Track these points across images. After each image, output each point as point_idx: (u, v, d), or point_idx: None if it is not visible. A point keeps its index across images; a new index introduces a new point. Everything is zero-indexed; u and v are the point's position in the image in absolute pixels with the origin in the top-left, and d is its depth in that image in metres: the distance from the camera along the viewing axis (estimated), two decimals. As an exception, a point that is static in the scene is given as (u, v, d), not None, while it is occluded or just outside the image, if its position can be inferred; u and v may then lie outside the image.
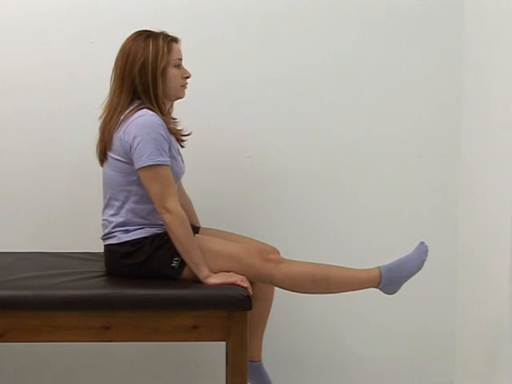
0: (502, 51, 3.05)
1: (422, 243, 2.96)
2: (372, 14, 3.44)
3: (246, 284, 2.78)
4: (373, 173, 3.50)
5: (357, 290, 2.94)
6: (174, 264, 2.82)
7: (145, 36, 2.88)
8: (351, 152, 3.48)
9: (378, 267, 2.92)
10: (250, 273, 2.85)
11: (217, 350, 3.24)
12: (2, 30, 3.35)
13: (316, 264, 2.93)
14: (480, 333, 3.26)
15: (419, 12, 3.45)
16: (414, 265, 2.92)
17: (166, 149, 2.82)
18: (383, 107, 3.48)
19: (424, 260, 2.93)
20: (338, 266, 2.92)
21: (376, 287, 2.92)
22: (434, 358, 3.55)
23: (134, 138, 2.79)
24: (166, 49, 2.87)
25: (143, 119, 2.80)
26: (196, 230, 3.00)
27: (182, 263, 2.82)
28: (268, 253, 2.89)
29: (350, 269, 2.93)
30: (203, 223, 3.17)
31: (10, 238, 3.38)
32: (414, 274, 2.93)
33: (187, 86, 2.96)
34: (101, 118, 2.92)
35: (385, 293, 2.95)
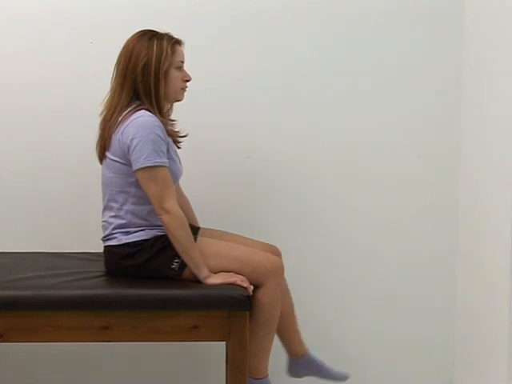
0: (502, 51, 3.05)
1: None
2: (371, 14, 3.44)
3: (245, 284, 2.78)
4: (372, 173, 3.50)
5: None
6: (174, 266, 2.82)
7: (149, 36, 2.88)
8: (351, 152, 3.48)
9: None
10: (253, 276, 2.85)
11: (217, 350, 3.24)
12: (2, 29, 3.35)
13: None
14: (480, 333, 3.26)
15: (419, 12, 3.45)
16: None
17: (164, 150, 2.82)
18: (383, 107, 3.48)
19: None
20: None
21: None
22: (434, 358, 3.55)
23: (132, 139, 2.79)
24: (169, 50, 2.87)
25: (141, 120, 2.80)
26: (195, 230, 3.00)
27: (183, 265, 2.82)
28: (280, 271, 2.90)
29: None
30: (203, 224, 3.16)
31: (10, 238, 3.38)
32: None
33: (186, 89, 2.96)
34: (101, 114, 2.92)
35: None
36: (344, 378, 3.11)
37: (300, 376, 3.12)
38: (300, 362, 3.08)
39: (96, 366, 3.45)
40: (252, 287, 2.82)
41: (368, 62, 3.46)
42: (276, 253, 3.06)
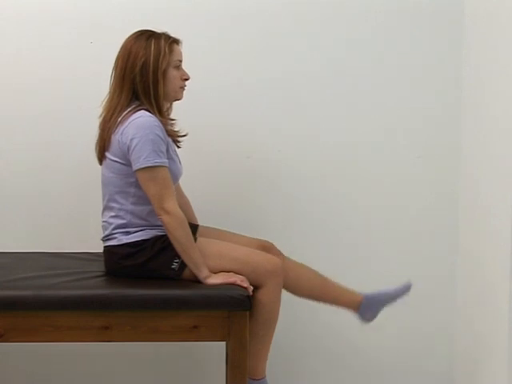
0: (502, 51, 3.05)
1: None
2: (371, 14, 3.44)
3: (245, 284, 2.79)
4: (372, 173, 3.50)
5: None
6: (174, 266, 2.82)
7: (147, 36, 2.88)
8: (351, 152, 3.48)
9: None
10: (253, 276, 2.85)
11: (217, 350, 3.25)
12: (2, 29, 3.35)
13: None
14: (480, 333, 3.26)
15: (419, 12, 3.45)
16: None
17: (164, 150, 2.82)
18: (383, 107, 3.48)
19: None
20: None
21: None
22: (434, 357, 3.56)
23: (132, 139, 2.79)
24: (167, 49, 2.87)
25: (140, 120, 2.80)
26: (194, 227, 3.00)
27: (183, 265, 2.82)
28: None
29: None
30: (203, 223, 3.16)
31: (10, 238, 3.38)
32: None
33: (185, 87, 2.96)
34: (100, 116, 2.92)
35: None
36: (409, 287, 3.08)
37: (374, 317, 3.10)
38: (363, 310, 3.06)
39: (96, 366, 3.45)
40: (252, 287, 2.82)
41: (368, 62, 3.46)
42: (270, 248, 3.07)
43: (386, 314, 3.51)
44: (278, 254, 3.07)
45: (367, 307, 3.06)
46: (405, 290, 3.08)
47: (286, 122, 3.46)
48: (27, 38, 3.36)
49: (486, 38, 3.23)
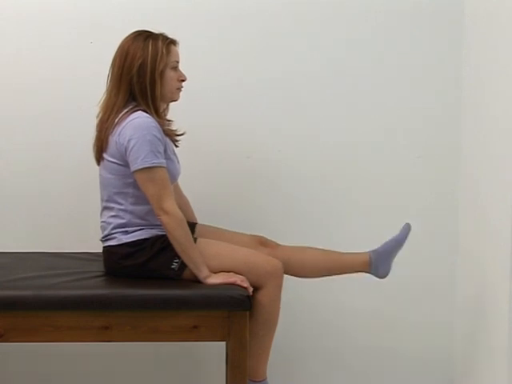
0: (502, 51, 3.05)
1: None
2: (371, 14, 3.44)
3: (245, 284, 2.79)
4: (372, 173, 3.50)
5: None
6: (174, 266, 2.82)
7: (144, 36, 2.88)
8: (351, 152, 3.48)
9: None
10: (253, 277, 2.85)
11: (217, 350, 3.25)
12: (2, 29, 3.35)
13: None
14: (480, 333, 3.26)
15: (419, 12, 3.45)
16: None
17: (161, 150, 2.82)
18: (383, 107, 3.48)
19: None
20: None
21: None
22: (434, 358, 3.55)
23: (129, 140, 2.79)
24: (164, 50, 2.87)
25: (138, 121, 2.80)
26: (192, 226, 3.00)
27: (183, 265, 2.82)
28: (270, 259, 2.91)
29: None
30: (203, 223, 3.16)
31: (10, 238, 3.38)
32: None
33: (182, 89, 2.96)
34: (98, 116, 2.92)
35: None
36: (409, 227, 3.09)
37: (388, 271, 3.09)
38: (375, 267, 3.06)
39: (96, 366, 3.45)
40: (252, 288, 2.82)
41: (368, 62, 3.46)
42: (266, 242, 3.08)
43: (385, 313, 3.53)
44: (274, 245, 3.07)
45: (378, 263, 3.05)
46: (406, 231, 3.08)
47: (286, 122, 3.46)
48: (27, 38, 3.36)
49: (486, 38, 3.23)
